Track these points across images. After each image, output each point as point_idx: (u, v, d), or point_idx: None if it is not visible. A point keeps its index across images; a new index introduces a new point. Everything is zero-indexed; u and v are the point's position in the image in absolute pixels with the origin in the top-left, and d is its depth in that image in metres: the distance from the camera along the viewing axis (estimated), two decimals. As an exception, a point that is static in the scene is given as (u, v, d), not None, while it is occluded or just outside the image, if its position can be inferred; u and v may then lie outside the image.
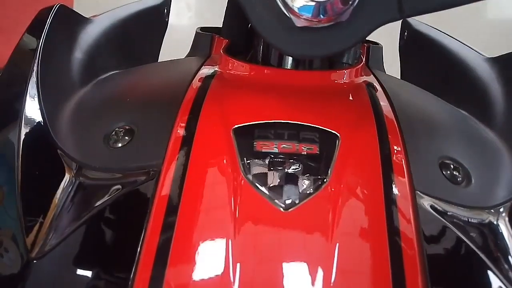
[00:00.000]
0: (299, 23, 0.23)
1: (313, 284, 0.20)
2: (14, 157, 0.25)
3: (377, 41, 0.43)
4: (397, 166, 0.24)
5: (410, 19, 0.47)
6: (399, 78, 0.47)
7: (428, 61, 0.46)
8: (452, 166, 0.26)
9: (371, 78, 0.32)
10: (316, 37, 0.23)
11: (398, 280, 0.21)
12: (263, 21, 0.23)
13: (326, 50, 0.24)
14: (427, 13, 0.26)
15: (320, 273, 0.21)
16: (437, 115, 0.32)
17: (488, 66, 0.37)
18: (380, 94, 0.29)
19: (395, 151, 0.25)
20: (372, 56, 0.40)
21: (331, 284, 0.21)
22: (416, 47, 0.48)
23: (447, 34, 0.45)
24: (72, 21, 0.36)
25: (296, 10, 0.22)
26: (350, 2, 0.23)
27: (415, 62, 0.49)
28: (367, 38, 0.28)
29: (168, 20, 0.52)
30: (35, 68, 0.28)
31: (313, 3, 0.22)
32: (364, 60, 0.34)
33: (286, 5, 0.23)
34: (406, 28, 0.48)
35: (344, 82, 0.30)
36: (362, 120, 0.26)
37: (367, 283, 0.22)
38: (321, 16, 0.23)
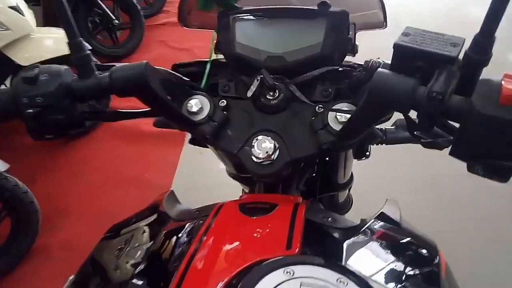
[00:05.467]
0: (258, 161, 0.59)
1: None
2: None
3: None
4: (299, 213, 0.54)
5: None
6: None
7: None
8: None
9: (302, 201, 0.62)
10: (267, 167, 0.59)
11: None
12: (253, 167, 0.59)
13: (270, 170, 0.59)
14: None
15: None
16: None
17: None
18: (302, 204, 0.57)
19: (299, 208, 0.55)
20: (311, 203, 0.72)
21: None
22: None
23: None
24: (173, 199, 0.70)
25: (254, 159, 0.59)
26: (272, 156, 0.59)
27: None
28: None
29: None
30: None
31: (261, 157, 0.58)
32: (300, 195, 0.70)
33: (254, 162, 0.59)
34: None
35: (289, 198, 0.65)
36: (288, 204, 0.57)
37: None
38: (264, 159, 0.59)
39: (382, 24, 0.66)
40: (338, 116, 0.57)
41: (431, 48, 0.44)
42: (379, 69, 0.46)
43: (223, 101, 0.64)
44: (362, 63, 0.63)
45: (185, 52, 3.52)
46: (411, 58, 0.45)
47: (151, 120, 0.75)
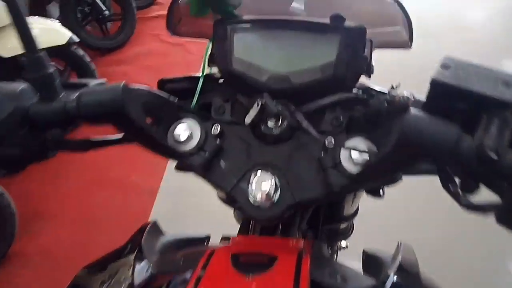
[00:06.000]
0: (256, 204, 0.50)
1: None
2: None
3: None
4: (304, 272, 0.45)
5: None
6: None
7: None
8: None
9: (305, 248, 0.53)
10: (266, 210, 0.50)
11: None
12: (249, 209, 0.50)
13: (270, 214, 0.50)
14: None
15: None
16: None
17: None
18: (306, 255, 0.50)
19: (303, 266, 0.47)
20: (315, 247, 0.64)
21: None
22: None
23: None
24: (156, 231, 0.63)
25: (252, 201, 0.51)
26: (273, 198, 0.49)
27: None
28: None
29: None
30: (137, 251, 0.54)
31: (260, 200, 0.50)
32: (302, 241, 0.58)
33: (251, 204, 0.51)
34: None
35: (289, 245, 0.54)
36: (289, 255, 0.49)
37: None
38: (264, 202, 0.50)
39: (406, 43, 0.57)
40: (354, 156, 0.48)
41: (480, 88, 0.36)
42: (412, 109, 0.38)
43: (216, 127, 0.55)
44: (380, 89, 0.54)
45: (178, 47, 3.39)
46: (452, 98, 0.37)
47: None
